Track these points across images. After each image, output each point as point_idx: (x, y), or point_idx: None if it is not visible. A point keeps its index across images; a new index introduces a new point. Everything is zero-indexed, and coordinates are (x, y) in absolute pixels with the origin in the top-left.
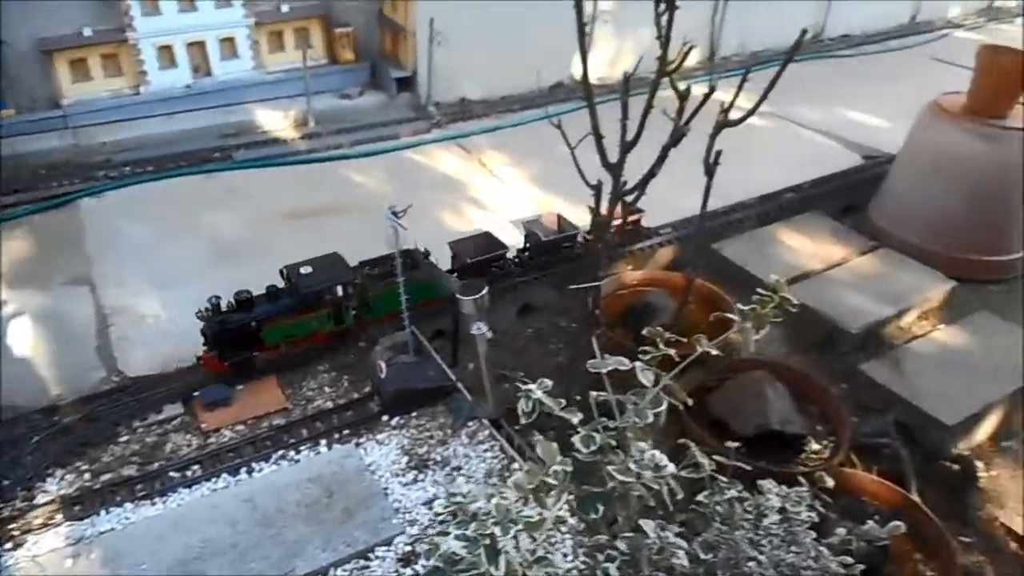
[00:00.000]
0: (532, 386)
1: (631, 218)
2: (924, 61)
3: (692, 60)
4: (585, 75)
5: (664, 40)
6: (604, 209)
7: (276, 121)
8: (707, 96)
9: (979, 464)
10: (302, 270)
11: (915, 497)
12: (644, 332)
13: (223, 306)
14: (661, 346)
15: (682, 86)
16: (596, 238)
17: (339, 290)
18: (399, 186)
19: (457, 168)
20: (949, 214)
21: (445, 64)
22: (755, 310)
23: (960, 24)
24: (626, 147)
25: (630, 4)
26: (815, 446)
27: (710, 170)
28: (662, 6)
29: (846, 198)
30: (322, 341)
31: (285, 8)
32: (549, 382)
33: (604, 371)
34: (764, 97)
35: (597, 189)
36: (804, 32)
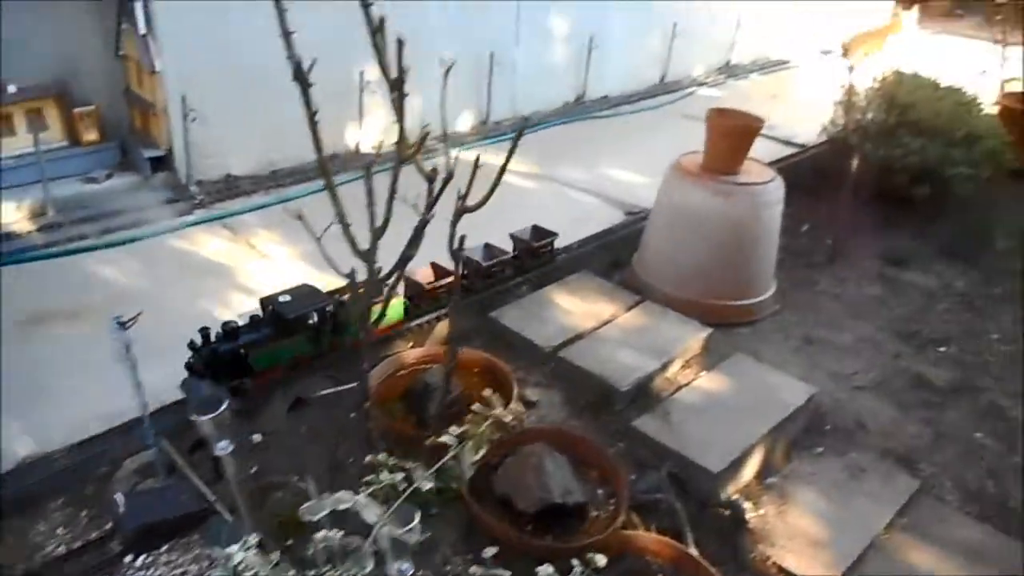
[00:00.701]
0: (233, 548)
1: (544, 241)
2: (674, 118)
3: (466, 125)
4: (321, 162)
5: (399, 124)
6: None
7: (8, 213)
8: (446, 182)
9: (747, 505)
10: (281, 299)
11: (692, 550)
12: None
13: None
14: (384, 475)
15: (438, 161)
16: (360, 328)
17: (315, 316)
18: (155, 277)
19: (223, 251)
20: (698, 265)
21: (206, 140)
22: (466, 432)
23: (704, 82)
24: (376, 234)
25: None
26: (597, 512)
27: (456, 255)
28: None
29: (612, 254)
30: (302, 363)
31: (12, 88)
32: (255, 539)
33: (318, 517)
34: (497, 182)
35: (351, 278)
36: (526, 119)
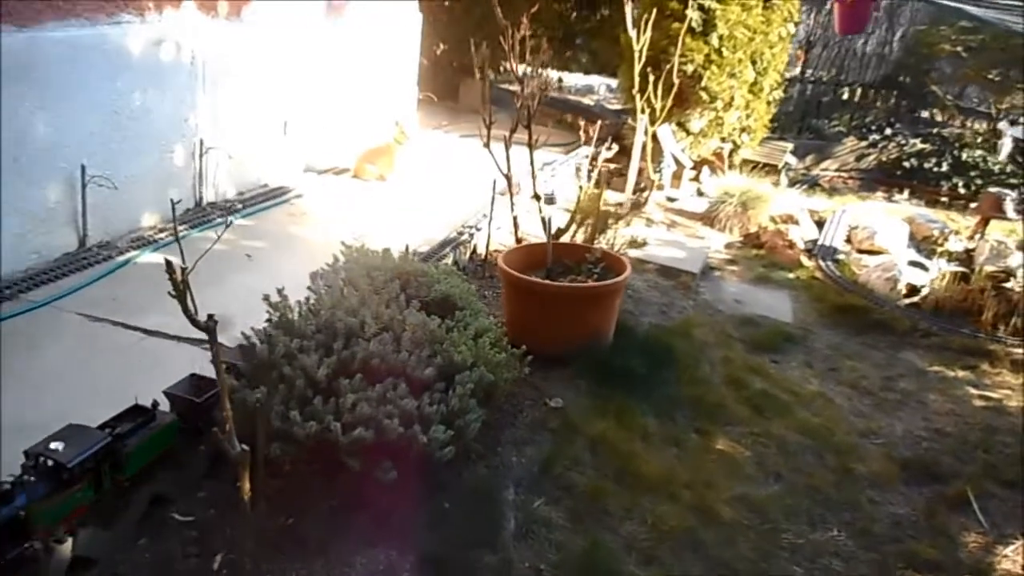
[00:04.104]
0: None
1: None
2: (78, 321)
3: None
4: None
5: None
6: None
7: None
8: None
9: None
10: (52, 445)
11: None
12: None
13: None
14: None
15: None
16: None
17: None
18: None
19: None
20: None
21: None
22: None
23: (153, 240)
24: None
25: None
26: None
27: None
28: None
29: None
30: (84, 512)
31: None
32: None
33: None
34: None
35: None
36: None
